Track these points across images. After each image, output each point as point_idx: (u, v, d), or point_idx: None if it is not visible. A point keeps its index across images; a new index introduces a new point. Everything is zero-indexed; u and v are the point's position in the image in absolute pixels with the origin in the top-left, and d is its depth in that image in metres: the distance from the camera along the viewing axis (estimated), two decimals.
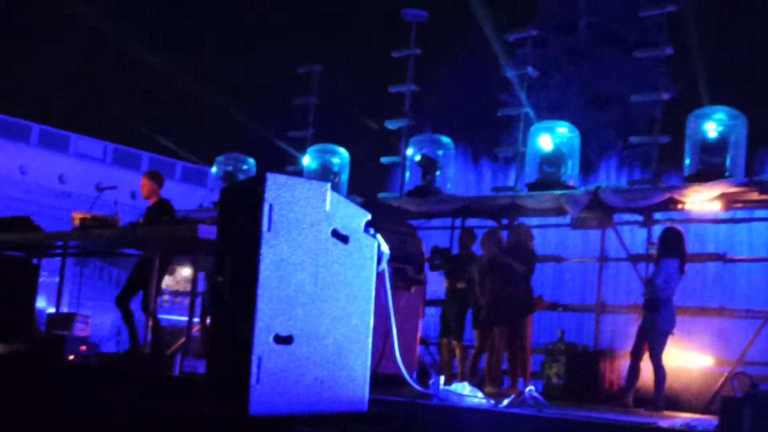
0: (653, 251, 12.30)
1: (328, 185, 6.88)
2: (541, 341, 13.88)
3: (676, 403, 11.67)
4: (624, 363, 12.34)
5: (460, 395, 7.81)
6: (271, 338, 6.51)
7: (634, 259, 13.94)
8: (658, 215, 13.99)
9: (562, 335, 13.32)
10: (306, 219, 6.73)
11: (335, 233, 6.82)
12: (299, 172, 16.92)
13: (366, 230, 7.00)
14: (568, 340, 13.50)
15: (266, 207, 6.56)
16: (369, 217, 7.04)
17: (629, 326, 12.41)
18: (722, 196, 12.92)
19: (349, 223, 6.92)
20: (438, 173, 15.78)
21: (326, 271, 6.78)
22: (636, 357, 11.64)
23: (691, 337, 15.89)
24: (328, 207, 6.81)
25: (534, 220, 15.57)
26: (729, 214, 14.20)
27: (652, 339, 11.49)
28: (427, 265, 13.87)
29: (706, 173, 13.03)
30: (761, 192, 12.64)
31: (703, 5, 14.99)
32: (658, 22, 14.74)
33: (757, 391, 7.33)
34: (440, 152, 15.97)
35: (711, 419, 7.36)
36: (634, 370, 11.57)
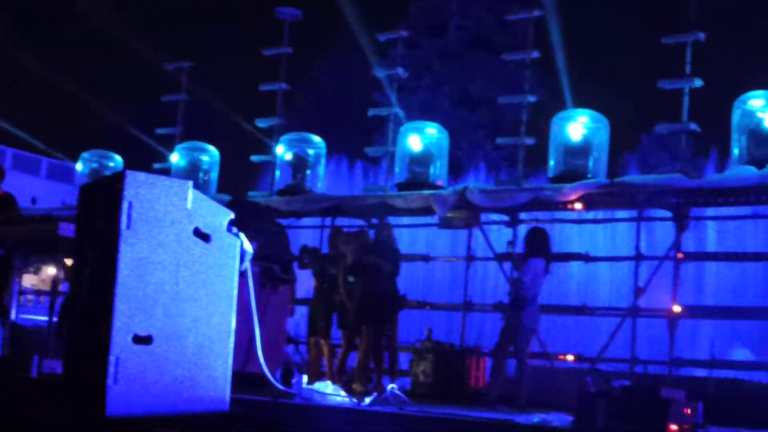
0: (512, 250, 12.54)
1: (190, 183, 6.79)
2: (410, 340, 14.00)
3: (539, 399, 11.88)
4: (490, 361, 12.52)
5: (323, 394, 7.82)
6: (129, 338, 6.40)
7: (500, 258, 14.15)
8: (523, 215, 14.25)
9: (430, 334, 13.46)
10: (167, 217, 6.63)
11: (197, 232, 6.73)
12: (167, 170, 16.70)
13: (229, 229, 6.94)
14: (436, 338, 13.66)
15: (125, 205, 6.44)
16: (232, 215, 6.99)
17: (496, 324, 12.62)
18: (585, 197, 13.22)
19: (211, 222, 6.84)
20: (308, 172, 15.78)
21: (187, 270, 6.68)
22: (500, 355, 11.85)
23: (555, 335, 16.28)
24: (189, 205, 6.72)
25: (405, 219, 15.71)
26: (591, 215, 14.58)
27: (517, 337, 11.69)
28: (297, 264, 13.87)
29: (570, 175, 13.34)
30: (622, 193, 13.00)
31: (567, 10, 15.32)
32: (525, 27, 15.02)
33: (610, 387, 7.55)
34: (311, 151, 15.98)
35: (567, 415, 7.54)
36: (498, 367, 11.76)
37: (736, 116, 12.42)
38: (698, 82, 13.00)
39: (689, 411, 7.08)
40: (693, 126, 13.03)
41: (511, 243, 12.71)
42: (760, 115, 12.24)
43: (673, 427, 6.86)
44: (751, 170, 11.91)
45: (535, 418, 7.63)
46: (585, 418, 7.05)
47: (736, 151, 12.37)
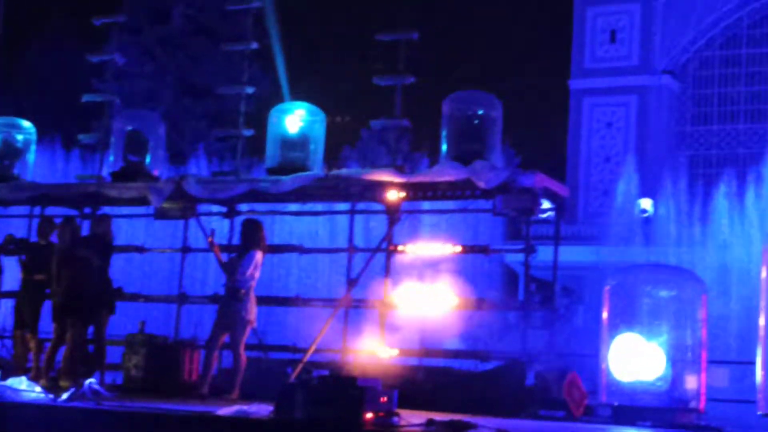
0: (214, 242, 12.48)
1: None
2: (124, 333, 13.68)
3: (253, 391, 11.88)
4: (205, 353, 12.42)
5: (16, 390, 7.48)
6: None
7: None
8: (244, 206, 14.21)
9: (143, 326, 13.19)
10: None
11: None
12: None
13: None
14: (153, 331, 13.44)
15: None
16: None
17: (214, 316, 12.53)
18: (302, 189, 13.33)
19: None
20: (17, 159, 15.09)
21: None
22: (212, 347, 11.80)
23: (272, 327, 16.36)
24: None
25: (125, 210, 15.32)
26: (309, 207, 14.72)
27: (234, 328, 11.70)
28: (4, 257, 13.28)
29: (287, 167, 13.42)
30: (337, 186, 13.21)
31: (287, 4, 15.43)
32: (247, 17, 14.95)
33: (310, 377, 7.66)
34: (20, 137, 15.25)
35: (268, 405, 7.59)
36: (210, 359, 11.72)
37: (445, 113, 12.88)
38: (410, 80, 13.38)
39: (385, 399, 7.28)
40: (405, 122, 13.39)
41: (211, 235, 12.59)
42: (467, 112, 12.74)
43: (369, 414, 7.03)
44: (458, 165, 12.38)
45: (235, 409, 7.63)
46: (284, 408, 7.11)
47: (444, 147, 12.82)
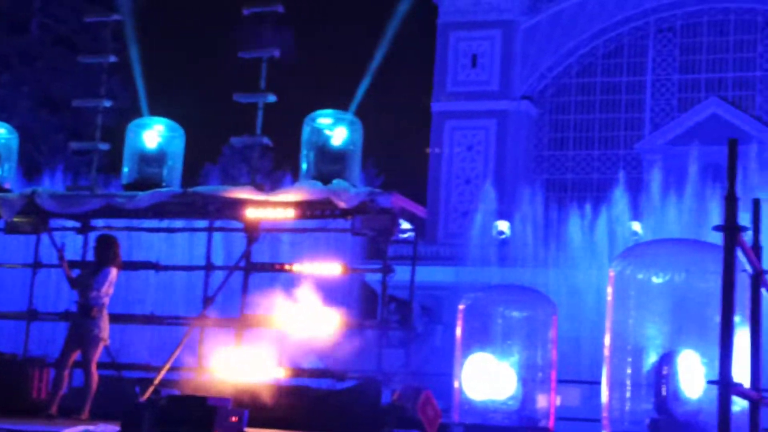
0: (64, 256, 12.24)
1: None
2: None
3: (106, 411, 11.64)
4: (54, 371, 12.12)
5: None
6: None
7: (70, 265, 13.70)
8: (100, 222, 13.94)
9: None
10: None
11: None
12: None
13: None
14: (1, 348, 13.15)
15: None
16: None
17: (65, 334, 12.26)
18: (159, 205, 13.15)
19: None
20: None
21: None
22: (63, 365, 11.54)
23: (126, 345, 16.07)
24: None
25: None
26: (166, 223, 14.51)
27: (87, 346, 11.48)
28: None
29: (144, 182, 13.23)
30: (195, 203, 13.07)
31: (146, 17, 15.24)
32: (106, 30, 14.71)
33: (158, 397, 7.56)
34: None
35: (115, 426, 7.45)
36: (60, 378, 11.46)
37: (305, 133, 12.90)
38: (272, 98, 13.35)
39: (235, 419, 7.24)
40: (266, 140, 13.36)
41: (62, 248, 12.36)
42: (327, 132, 12.78)
43: None
44: (318, 185, 12.42)
45: (80, 428, 7.48)
46: (130, 429, 7.00)
47: (304, 166, 12.83)
